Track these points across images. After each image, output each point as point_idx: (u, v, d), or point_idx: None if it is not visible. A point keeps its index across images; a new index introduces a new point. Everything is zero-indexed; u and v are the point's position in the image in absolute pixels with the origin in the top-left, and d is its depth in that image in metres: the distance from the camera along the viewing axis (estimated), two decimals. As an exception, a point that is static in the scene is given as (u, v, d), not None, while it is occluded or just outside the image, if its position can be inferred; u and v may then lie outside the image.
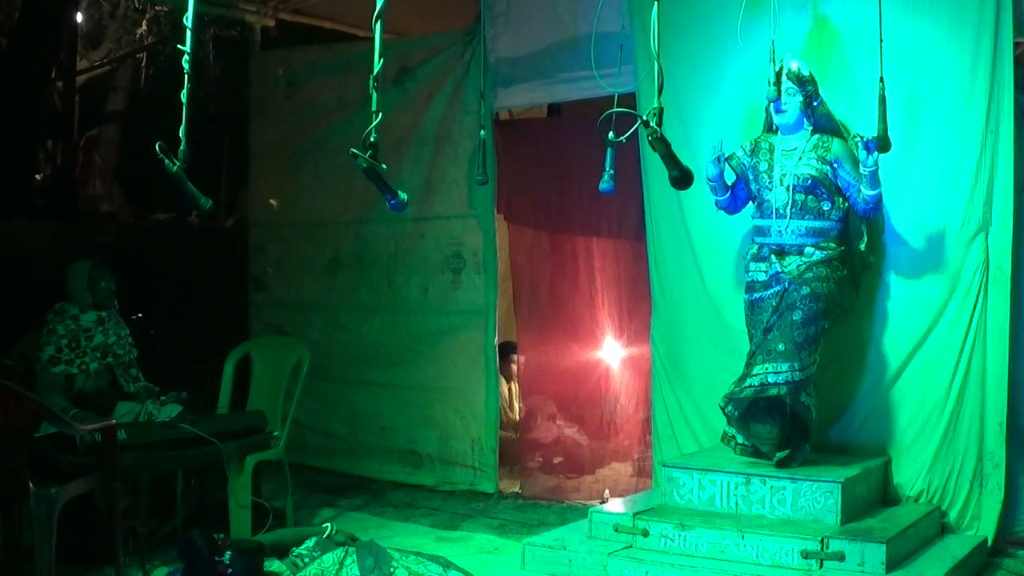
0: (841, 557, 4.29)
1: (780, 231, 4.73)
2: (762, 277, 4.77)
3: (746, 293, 4.87)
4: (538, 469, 6.50)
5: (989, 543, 4.77)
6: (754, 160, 4.85)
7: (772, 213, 4.75)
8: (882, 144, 4.36)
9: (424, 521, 5.82)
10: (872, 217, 4.79)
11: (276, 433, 5.22)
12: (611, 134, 3.79)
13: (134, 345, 5.39)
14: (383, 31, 3.05)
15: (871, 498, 4.86)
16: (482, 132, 4.90)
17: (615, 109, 3.70)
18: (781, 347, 4.67)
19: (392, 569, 4.26)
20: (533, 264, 6.66)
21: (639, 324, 6.18)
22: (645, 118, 3.49)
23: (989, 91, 4.70)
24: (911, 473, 4.96)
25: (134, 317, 6.58)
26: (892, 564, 4.27)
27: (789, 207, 4.70)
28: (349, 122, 6.36)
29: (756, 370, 4.70)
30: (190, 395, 5.34)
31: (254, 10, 7.53)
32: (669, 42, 3.99)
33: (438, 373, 6.61)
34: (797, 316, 4.66)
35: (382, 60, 3.00)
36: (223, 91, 9.40)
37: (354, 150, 2.98)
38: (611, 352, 6.55)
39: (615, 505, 5.26)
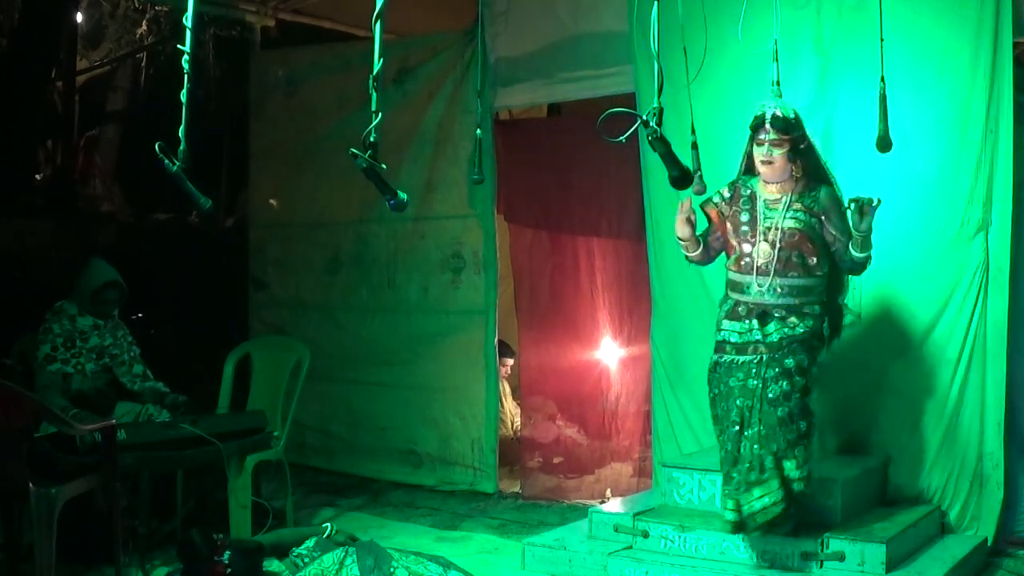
0: (841, 557, 4.29)
1: (761, 289, 4.28)
2: (735, 339, 4.30)
3: (714, 353, 4.38)
4: (538, 469, 6.51)
5: (989, 543, 4.77)
6: (733, 209, 4.40)
7: (752, 269, 4.29)
8: (883, 144, 4.36)
9: (424, 521, 5.82)
10: (856, 275, 4.48)
11: (276, 433, 5.22)
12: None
13: (133, 343, 5.38)
14: (383, 31, 3.05)
15: (871, 498, 4.86)
16: (478, 131, 4.89)
17: (615, 109, 3.69)
18: (774, 447, 4.23)
19: (392, 569, 4.26)
20: (533, 264, 6.66)
21: (639, 324, 6.18)
22: (645, 118, 3.49)
23: (989, 91, 4.70)
24: (911, 473, 4.96)
25: (134, 317, 6.58)
26: (892, 564, 4.27)
27: (773, 264, 4.25)
28: (349, 122, 6.36)
29: (758, 492, 4.24)
30: (190, 395, 5.34)
31: (254, 10, 7.53)
32: (669, 42, 3.98)
33: (438, 373, 6.61)
34: (783, 412, 4.23)
35: (382, 60, 3.00)
36: (223, 91, 9.39)
37: (354, 150, 2.98)
38: (611, 352, 6.55)
39: (615, 505, 5.27)
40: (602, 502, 5.77)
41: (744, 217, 4.34)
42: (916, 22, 4.83)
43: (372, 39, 3.04)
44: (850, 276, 4.49)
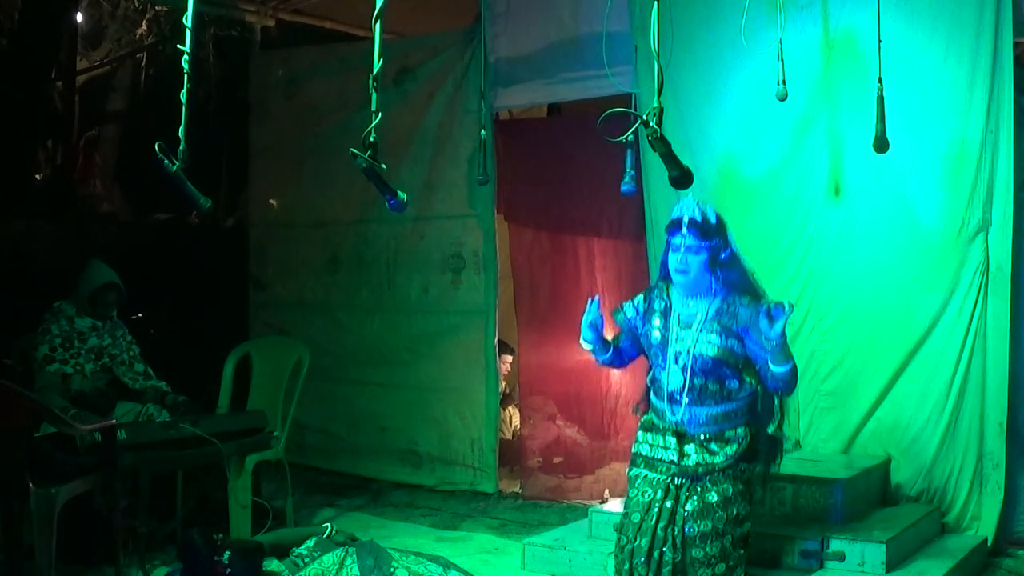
0: (841, 557, 4.29)
1: (676, 419, 3.72)
2: (646, 451, 3.79)
3: (630, 465, 3.86)
4: (538, 469, 6.50)
5: (989, 543, 4.77)
6: (646, 326, 3.84)
7: (665, 396, 3.75)
8: (880, 144, 4.36)
9: (424, 521, 5.82)
10: (787, 395, 3.80)
11: (276, 433, 5.22)
12: (627, 136, 3.56)
13: (133, 343, 5.38)
14: (383, 31, 3.05)
15: (871, 498, 4.86)
16: (483, 132, 4.90)
17: (615, 109, 3.69)
18: None
19: (392, 569, 4.26)
20: (533, 264, 6.66)
21: (639, 324, 6.17)
22: (645, 118, 3.48)
23: (989, 91, 4.71)
24: (911, 473, 4.96)
25: (134, 317, 6.58)
26: (892, 564, 4.27)
27: (685, 392, 3.68)
28: (349, 122, 6.36)
29: None
30: (190, 395, 5.34)
31: (254, 10, 7.54)
32: (670, 42, 3.98)
33: (438, 373, 6.61)
34: (700, 555, 3.63)
35: (382, 60, 3.00)
36: (223, 91, 9.40)
37: (354, 150, 2.98)
38: (611, 352, 6.54)
39: (615, 505, 5.26)
40: (602, 502, 5.77)
41: (655, 339, 3.79)
42: (916, 23, 4.83)
43: (372, 39, 3.04)
44: (782, 399, 3.80)
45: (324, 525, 4.74)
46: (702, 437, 3.70)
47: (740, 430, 3.70)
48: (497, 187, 6.39)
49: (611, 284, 6.47)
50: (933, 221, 4.87)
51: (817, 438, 5.15)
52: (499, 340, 6.55)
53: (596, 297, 3.85)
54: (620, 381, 6.49)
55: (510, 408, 7.04)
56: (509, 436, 6.92)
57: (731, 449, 3.68)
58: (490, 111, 6.08)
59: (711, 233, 3.70)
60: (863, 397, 5.08)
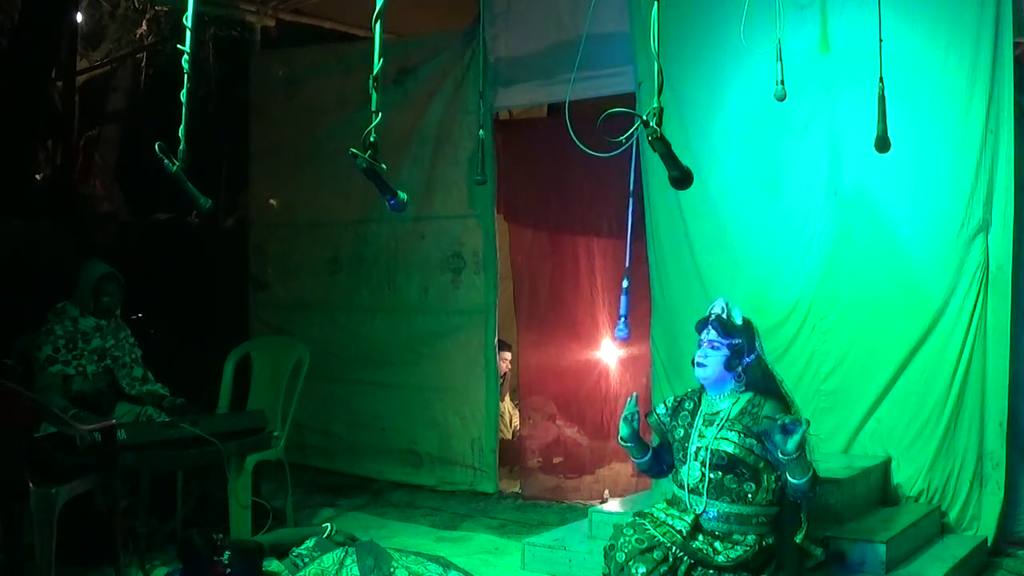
0: (841, 557, 4.29)
1: (698, 510, 3.81)
2: (659, 514, 3.82)
3: (632, 518, 3.87)
4: (538, 469, 6.51)
5: (989, 543, 4.77)
6: (672, 422, 3.99)
7: (687, 489, 3.84)
8: (881, 144, 4.35)
9: (424, 521, 5.82)
10: (808, 504, 3.84)
11: (276, 433, 5.22)
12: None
13: (135, 345, 5.38)
14: (383, 31, 3.05)
15: (871, 498, 4.86)
16: (480, 132, 4.89)
17: (615, 109, 3.69)
18: None
19: (392, 569, 4.26)
20: (533, 264, 6.67)
21: (639, 324, 6.16)
22: (645, 118, 3.48)
23: (989, 91, 4.71)
24: (911, 473, 4.96)
25: (134, 317, 6.58)
26: (892, 564, 4.27)
27: (705, 485, 3.79)
28: (349, 122, 6.37)
29: None
30: (190, 395, 5.34)
31: (254, 10, 7.55)
32: (670, 42, 3.98)
33: (438, 373, 6.61)
34: None
35: (382, 60, 3.00)
36: (223, 91, 9.40)
37: (354, 150, 2.97)
38: (611, 352, 6.55)
39: (615, 505, 5.27)
40: (602, 502, 5.78)
41: (679, 433, 3.94)
42: (917, 22, 4.83)
43: (372, 39, 3.03)
44: (804, 511, 3.82)
45: (324, 525, 4.73)
46: (712, 533, 3.78)
47: (750, 537, 3.76)
48: (497, 187, 6.40)
49: (611, 284, 6.48)
50: (933, 221, 4.87)
51: (817, 438, 5.14)
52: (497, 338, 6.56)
53: (635, 394, 4.03)
54: (620, 381, 6.50)
55: (509, 407, 7.05)
56: (509, 436, 6.92)
57: (734, 553, 3.73)
58: (489, 111, 6.08)
59: (733, 332, 3.87)
60: (863, 397, 5.08)
